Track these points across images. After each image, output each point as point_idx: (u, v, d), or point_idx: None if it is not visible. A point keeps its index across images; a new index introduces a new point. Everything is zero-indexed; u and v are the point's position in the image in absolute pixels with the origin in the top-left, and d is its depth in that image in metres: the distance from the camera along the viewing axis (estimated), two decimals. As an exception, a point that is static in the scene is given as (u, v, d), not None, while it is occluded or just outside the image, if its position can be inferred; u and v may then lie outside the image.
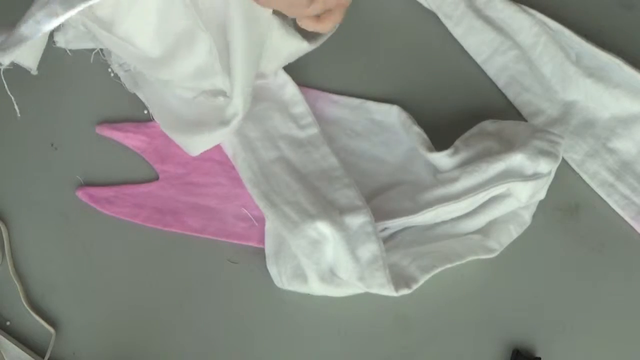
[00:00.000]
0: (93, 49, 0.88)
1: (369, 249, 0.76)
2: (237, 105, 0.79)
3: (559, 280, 0.82)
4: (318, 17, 0.75)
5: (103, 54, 0.88)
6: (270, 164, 0.82)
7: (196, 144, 0.83)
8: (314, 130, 0.84)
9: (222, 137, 0.82)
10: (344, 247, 0.76)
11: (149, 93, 0.85)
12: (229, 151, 0.84)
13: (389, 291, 0.75)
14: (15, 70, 0.88)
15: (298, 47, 0.85)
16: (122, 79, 0.87)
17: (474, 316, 0.81)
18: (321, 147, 0.84)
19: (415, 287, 0.76)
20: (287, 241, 0.79)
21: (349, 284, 0.77)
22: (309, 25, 0.76)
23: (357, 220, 0.77)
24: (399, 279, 0.77)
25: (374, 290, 0.76)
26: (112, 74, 0.88)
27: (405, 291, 0.76)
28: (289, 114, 0.85)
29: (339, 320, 0.80)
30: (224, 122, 0.79)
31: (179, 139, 0.83)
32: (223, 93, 0.80)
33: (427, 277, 0.77)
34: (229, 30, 0.77)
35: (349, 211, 0.78)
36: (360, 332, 0.80)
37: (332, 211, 0.78)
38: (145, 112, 0.87)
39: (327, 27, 0.76)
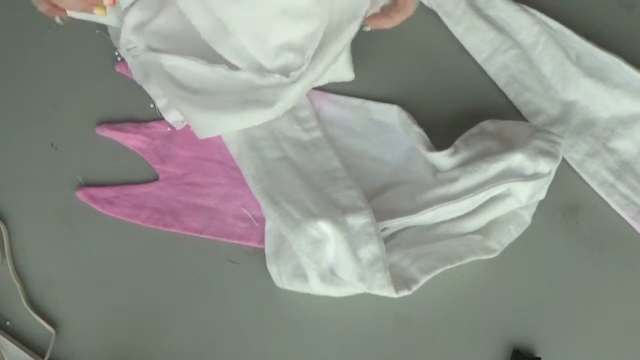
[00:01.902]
0: (99, 27, 0.88)
1: (370, 250, 0.76)
2: (295, 90, 0.80)
3: (559, 280, 0.82)
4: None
5: (108, 34, 0.88)
6: (274, 162, 0.82)
7: (221, 124, 0.81)
8: (318, 134, 0.85)
9: (258, 120, 0.81)
10: (346, 247, 0.76)
11: (163, 80, 0.83)
12: (233, 150, 0.84)
13: (389, 292, 0.76)
14: (15, 70, 0.88)
15: (343, 74, 0.87)
16: (130, 66, 0.86)
17: (474, 316, 0.81)
18: (324, 150, 0.84)
19: (415, 288, 0.76)
20: (287, 240, 0.79)
21: (349, 284, 0.77)
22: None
23: (359, 221, 0.77)
24: (399, 280, 0.77)
25: (375, 291, 0.76)
26: (118, 58, 0.88)
27: (405, 292, 0.76)
28: (294, 116, 0.85)
29: (339, 321, 0.81)
30: (268, 103, 0.80)
31: (200, 118, 0.81)
32: (280, 72, 0.80)
33: (427, 278, 0.77)
34: (346, 27, 0.81)
35: (351, 212, 0.78)
36: (360, 332, 0.80)
37: (335, 211, 0.78)
38: (152, 105, 0.87)
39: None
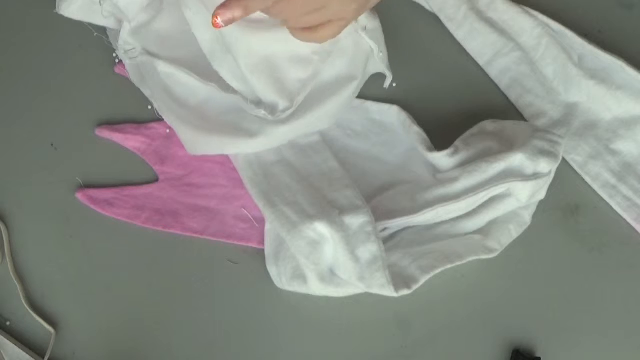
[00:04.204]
0: (98, 29, 0.88)
1: (369, 249, 0.76)
2: (281, 131, 0.81)
3: (559, 280, 0.81)
4: (310, 28, 0.76)
5: (107, 36, 0.88)
6: (271, 165, 0.82)
7: (204, 145, 0.82)
8: (315, 138, 0.85)
9: (238, 148, 0.82)
10: (344, 247, 0.76)
11: (155, 86, 0.84)
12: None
13: (389, 292, 0.75)
14: (15, 70, 0.89)
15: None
16: (127, 68, 0.86)
17: (474, 316, 0.80)
18: (322, 152, 0.84)
19: (415, 287, 0.76)
20: (286, 242, 0.79)
21: (349, 284, 0.77)
22: (302, 36, 0.77)
23: (357, 221, 0.77)
24: (399, 279, 0.76)
25: (374, 290, 0.76)
26: (116, 60, 0.88)
27: (405, 292, 0.76)
28: None
29: (338, 320, 0.80)
30: (251, 133, 0.81)
31: (185, 135, 0.83)
32: (268, 109, 0.80)
33: (427, 277, 0.77)
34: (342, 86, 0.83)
35: (349, 211, 0.78)
36: (360, 332, 0.80)
37: (331, 211, 0.77)
38: (149, 107, 0.87)
39: (320, 38, 0.76)
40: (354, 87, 0.84)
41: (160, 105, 0.84)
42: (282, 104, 0.80)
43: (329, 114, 0.84)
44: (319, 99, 0.82)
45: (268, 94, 0.80)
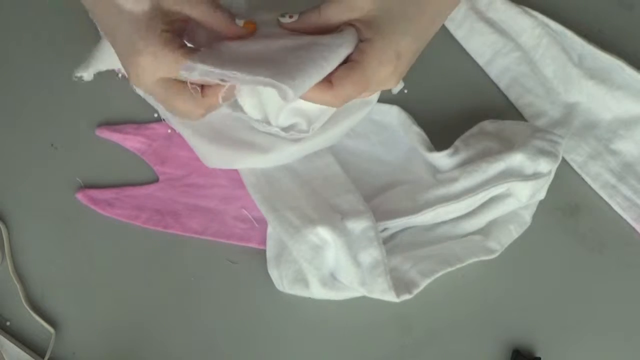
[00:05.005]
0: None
1: (371, 254, 0.76)
2: (293, 149, 0.80)
3: (558, 280, 0.81)
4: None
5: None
6: (274, 170, 0.82)
7: (218, 158, 0.81)
8: None
9: (252, 163, 0.81)
10: (346, 252, 0.76)
11: None
12: None
13: (390, 297, 0.76)
14: (15, 70, 0.89)
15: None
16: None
17: (474, 316, 0.80)
18: (324, 156, 0.83)
19: (416, 292, 0.77)
20: (288, 246, 0.79)
21: (350, 289, 0.77)
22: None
23: (359, 225, 0.77)
24: (400, 283, 0.77)
25: (376, 295, 0.76)
26: (119, 75, 0.88)
27: (406, 296, 0.76)
28: None
29: (339, 322, 0.80)
30: (262, 149, 0.80)
31: (200, 148, 0.82)
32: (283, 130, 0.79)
33: (427, 281, 0.77)
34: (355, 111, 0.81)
35: (351, 216, 0.78)
36: (360, 332, 0.80)
37: (334, 216, 0.77)
38: (156, 115, 0.86)
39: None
40: (367, 110, 0.82)
41: (172, 120, 0.83)
42: (299, 124, 0.78)
43: (341, 134, 0.82)
44: (334, 121, 0.80)
45: (288, 120, 0.78)
